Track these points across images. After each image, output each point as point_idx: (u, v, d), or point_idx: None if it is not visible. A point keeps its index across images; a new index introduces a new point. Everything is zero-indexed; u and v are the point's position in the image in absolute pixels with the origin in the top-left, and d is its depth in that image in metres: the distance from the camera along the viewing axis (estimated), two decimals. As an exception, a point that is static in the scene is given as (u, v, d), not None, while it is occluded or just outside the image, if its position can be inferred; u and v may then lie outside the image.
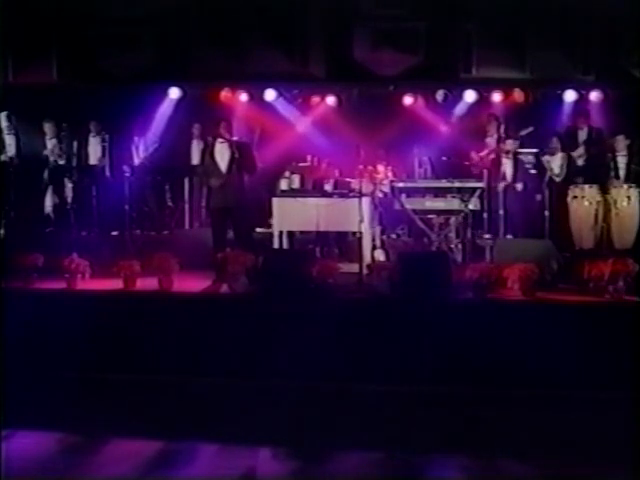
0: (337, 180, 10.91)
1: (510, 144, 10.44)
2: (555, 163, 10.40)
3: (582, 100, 10.99)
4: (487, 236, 10.01)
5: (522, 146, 10.65)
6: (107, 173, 11.26)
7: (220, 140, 9.27)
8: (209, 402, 7.03)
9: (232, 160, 9.19)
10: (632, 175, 10.05)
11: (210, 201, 9.68)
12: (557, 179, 10.33)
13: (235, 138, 9.51)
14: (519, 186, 10.31)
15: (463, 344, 7.27)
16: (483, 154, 10.78)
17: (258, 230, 10.40)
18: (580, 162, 10.68)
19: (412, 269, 8.01)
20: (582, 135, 10.92)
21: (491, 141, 10.91)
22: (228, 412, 6.74)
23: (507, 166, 10.42)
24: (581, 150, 10.74)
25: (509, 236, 10.17)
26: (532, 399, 6.95)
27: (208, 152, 9.39)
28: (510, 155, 10.40)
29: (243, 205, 9.34)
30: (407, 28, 10.09)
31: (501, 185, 10.30)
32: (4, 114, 11.30)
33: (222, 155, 9.21)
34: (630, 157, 10.18)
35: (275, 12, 10.19)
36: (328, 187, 10.73)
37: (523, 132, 10.78)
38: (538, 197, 10.12)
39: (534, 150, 10.59)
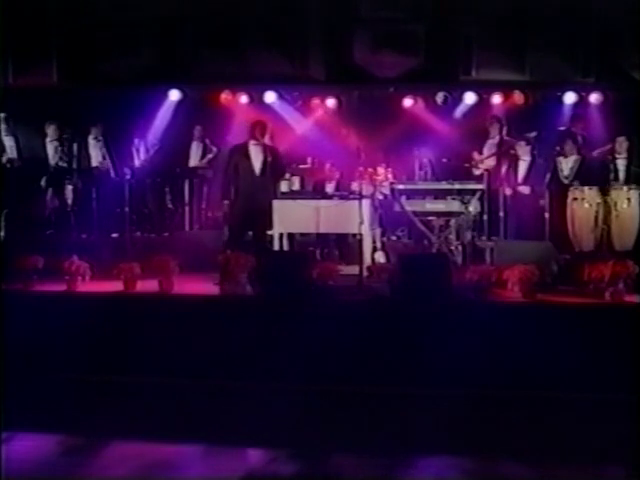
0: (337, 182, 10.91)
1: (521, 147, 10.44)
2: (567, 165, 10.38)
3: (582, 102, 11.00)
4: (487, 238, 10.01)
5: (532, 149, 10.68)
6: (107, 175, 11.27)
7: (253, 142, 9.44)
8: (209, 404, 7.03)
9: (265, 162, 9.37)
10: (632, 177, 10.05)
11: (237, 201, 9.60)
12: (565, 181, 10.31)
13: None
14: (526, 189, 10.30)
15: (463, 346, 7.26)
16: (485, 156, 10.78)
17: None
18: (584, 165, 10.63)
19: (412, 271, 8.00)
20: (580, 139, 10.91)
21: (492, 143, 10.91)
22: (228, 414, 6.73)
23: (521, 168, 10.41)
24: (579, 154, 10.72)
25: (509, 238, 10.17)
26: (532, 400, 6.94)
27: (242, 152, 9.46)
28: (527, 157, 10.37)
29: (267, 208, 9.40)
30: (407, 30, 10.10)
31: (508, 188, 10.27)
32: (2, 116, 11.29)
33: (256, 156, 9.41)
34: (630, 159, 10.18)
35: (275, 14, 10.22)
36: (328, 189, 10.73)
37: (527, 136, 10.78)
38: (541, 202, 10.11)
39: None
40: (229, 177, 9.61)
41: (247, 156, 9.44)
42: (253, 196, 9.40)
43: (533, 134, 10.72)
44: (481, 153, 10.87)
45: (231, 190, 9.54)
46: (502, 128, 10.88)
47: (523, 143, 10.46)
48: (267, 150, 9.47)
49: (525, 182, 10.36)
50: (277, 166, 9.61)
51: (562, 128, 11.00)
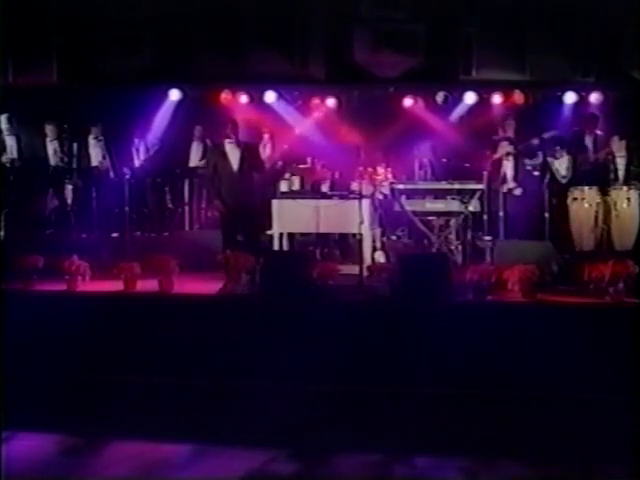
0: (337, 182, 10.90)
1: (503, 147, 10.44)
2: (562, 165, 10.38)
3: (582, 102, 11.00)
4: (487, 238, 10.00)
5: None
6: (107, 175, 11.27)
7: (229, 140, 9.43)
8: (209, 403, 7.03)
9: (242, 159, 9.36)
10: (632, 176, 10.05)
11: (223, 201, 9.64)
12: (563, 181, 10.32)
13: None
14: (519, 189, 10.30)
15: (463, 346, 7.26)
16: (496, 155, 10.69)
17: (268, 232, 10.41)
18: (586, 166, 10.63)
19: (412, 271, 8.00)
20: (588, 140, 10.90)
21: (503, 141, 10.83)
22: (228, 413, 6.74)
23: (508, 168, 10.40)
24: (588, 155, 10.70)
25: (509, 238, 10.15)
26: (532, 401, 6.94)
27: (218, 152, 9.46)
28: (510, 157, 10.37)
29: (253, 206, 9.40)
30: (407, 30, 10.12)
31: (503, 187, 10.27)
32: (5, 116, 11.29)
33: (233, 154, 9.38)
34: (629, 158, 10.17)
35: (275, 14, 10.23)
36: (323, 189, 10.72)
37: (546, 135, 10.75)
38: (537, 200, 10.12)
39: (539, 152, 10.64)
40: (210, 177, 9.65)
41: (224, 155, 9.44)
42: (236, 195, 9.39)
43: (552, 133, 10.71)
44: (493, 152, 10.74)
45: (217, 189, 9.55)
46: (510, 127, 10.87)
47: (505, 143, 10.47)
48: (243, 147, 9.47)
49: (522, 181, 10.32)
50: (256, 162, 9.61)
51: (571, 128, 11.02)
